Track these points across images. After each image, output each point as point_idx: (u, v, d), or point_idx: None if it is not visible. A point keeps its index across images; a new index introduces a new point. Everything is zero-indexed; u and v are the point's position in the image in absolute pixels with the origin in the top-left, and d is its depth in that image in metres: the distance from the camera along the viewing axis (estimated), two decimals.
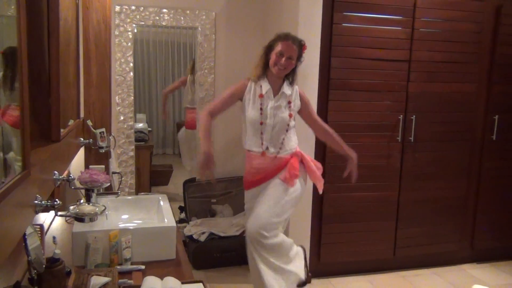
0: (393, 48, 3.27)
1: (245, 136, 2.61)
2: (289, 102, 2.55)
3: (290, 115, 2.53)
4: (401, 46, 3.28)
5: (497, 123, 3.57)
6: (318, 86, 3.17)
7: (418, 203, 3.51)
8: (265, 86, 2.54)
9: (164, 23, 3.71)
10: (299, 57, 2.54)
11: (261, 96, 2.52)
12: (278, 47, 2.47)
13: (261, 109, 2.52)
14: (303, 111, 2.66)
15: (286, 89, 2.56)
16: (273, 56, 2.48)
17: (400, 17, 3.26)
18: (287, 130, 2.53)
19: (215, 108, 2.60)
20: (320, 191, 2.73)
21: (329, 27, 3.14)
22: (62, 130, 1.76)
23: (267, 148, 2.52)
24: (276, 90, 2.55)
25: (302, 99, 2.63)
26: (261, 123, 2.51)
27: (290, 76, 2.59)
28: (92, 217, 1.49)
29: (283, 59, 2.45)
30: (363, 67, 3.24)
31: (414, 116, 3.37)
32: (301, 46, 2.54)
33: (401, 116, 3.36)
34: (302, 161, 2.63)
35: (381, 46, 3.24)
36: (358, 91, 3.26)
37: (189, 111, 4.41)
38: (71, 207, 1.55)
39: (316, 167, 2.68)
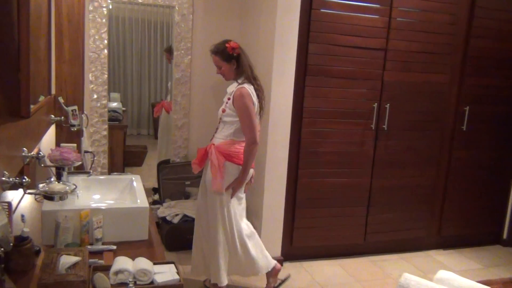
0: (371, 36, 3.29)
1: None
2: (229, 99, 2.64)
3: (223, 110, 2.66)
4: (378, 34, 3.31)
5: (467, 114, 3.66)
6: (295, 72, 3.17)
7: (389, 190, 3.59)
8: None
9: (140, 0, 3.62)
10: (228, 59, 2.63)
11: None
12: None
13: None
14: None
15: (230, 87, 2.70)
16: None
17: (378, 6, 3.27)
18: (219, 122, 2.70)
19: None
20: (213, 188, 2.61)
21: (307, 12, 3.13)
22: (32, 106, 1.71)
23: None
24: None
25: (234, 100, 2.59)
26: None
27: (239, 76, 2.67)
28: (62, 196, 1.46)
29: (217, 70, 2.71)
30: (340, 54, 3.25)
31: (388, 104, 3.42)
32: (221, 49, 2.62)
33: (376, 104, 3.40)
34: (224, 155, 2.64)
35: (359, 34, 3.26)
36: (334, 78, 3.27)
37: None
38: (41, 185, 1.51)
39: (218, 165, 2.60)
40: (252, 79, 2.65)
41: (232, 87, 2.65)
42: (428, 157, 3.66)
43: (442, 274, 1.98)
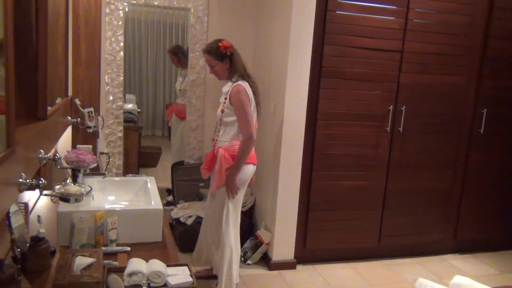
0: (386, 38, 3.26)
1: None
2: (225, 99, 2.66)
3: (222, 111, 2.67)
4: (394, 36, 3.28)
5: (485, 117, 3.60)
6: (310, 74, 3.16)
7: (405, 193, 3.55)
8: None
9: (156, 3, 3.65)
10: (221, 58, 2.65)
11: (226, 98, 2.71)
12: None
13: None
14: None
15: (225, 87, 2.71)
16: None
17: (394, 7, 3.24)
18: (220, 124, 2.72)
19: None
20: (213, 190, 2.70)
21: (323, 14, 3.11)
22: (49, 108, 1.73)
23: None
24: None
25: (230, 98, 2.62)
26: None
27: (232, 75, 2.70)
28: (78, 198, 1.47)
29: (210, 70, 2.76)
30: (356, 56, 3.23)
31: (404, 107, 3.38)
32: (215, 49, 2.65)
33: (391, 106, 3.37)
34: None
35: (374, 36, 3.23)
36: (349, 80, 3.25)
37: (179, 105, 4.41)
38: (57, 187, 1.53)
39: (221, 166, 2.64)
40: (246, 77, 2.68)
41: (227, 86, 2.69)
42: (445, 160, 3.61)
43: (458, 279, 1.95)
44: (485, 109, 3.60)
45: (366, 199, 3.47)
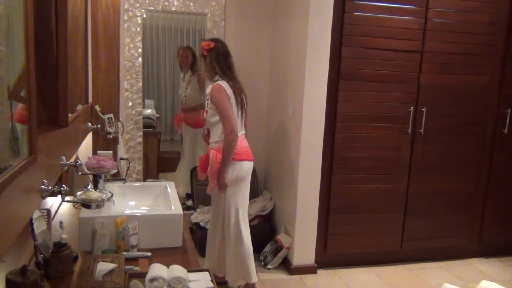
0: (405, 38, 3.21)
1: None
2: (208, 100, 2.75)
3: (206, 112, 2.77)
4: (413, 36, 3.23)
5: (509, 117, 3.51)
6: (328, 76, 3.13)
7: (427, 196, 3.48)
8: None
9: (173, 9, 3.67)
10: (203, 56, 2.78)
11: None
12: None
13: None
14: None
15: (207, 88, 2.81)
16: None
17: (413, 7, 3.20)
18: (207, 127, 2.82)
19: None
20: (209, 190, 2.78)
21: (340, 15, 3.09)
22: (70, 114, 1.74)
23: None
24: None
25: (211, 98, 2.70)
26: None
27: (212, 75, 2.79)
28: (99, 204, 1.48)
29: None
30: (374, 57, 3.19)
31: (424, 108, 3.33)
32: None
33: (412, 107, 3.31)
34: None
35: (393, 36, 3.19)
36: (368, 81, 3.21)
37: (188, 115, 4.41)
38: (78, 193, 1.54)
39: (212, 167, 2.71)
40: (226, 77, 2.73)
41: (209, 88, 2.77)
42: (468, 162, 3.53)
43: (485, 284, 1.90)
44: (509, 109, 3.51)
45: (388, 202, 3.42)
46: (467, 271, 3.52)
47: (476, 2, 3.29)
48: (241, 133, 2.76)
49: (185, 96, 4.35)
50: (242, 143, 2.75)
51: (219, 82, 2.71)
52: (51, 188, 1.29)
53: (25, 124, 1.10)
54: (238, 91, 2.74)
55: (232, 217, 2.76)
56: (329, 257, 3.39)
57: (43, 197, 1.28)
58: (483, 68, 3.41)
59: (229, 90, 2.68)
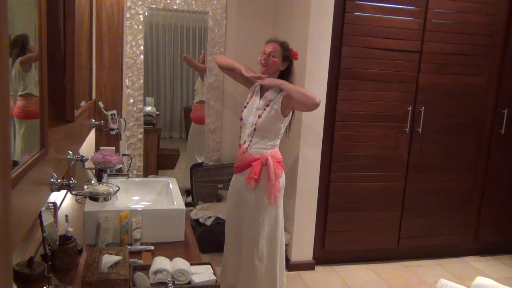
0: (405, 38, 3.25)
1: None
2: (267, 105, 2.52)
3: (259, 116, 2.50)
4: (413, 36, 3.27)
5: (506, 117, 3.56)
6: (328, 75, 3.17)
7: (424, 195, 3.53)
8: (257, 87, 2.63)
9: (175, 7, 3.70)
10: (285, 57, 2.54)
11: (252, 96, 2.64)
12: (263, 48, 2.57)
13: (245, 106, 2.63)
14: (289, 105, 2.51)
15: (270, 93, 2.54)
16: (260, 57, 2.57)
17: (413, 7, 3.24)
18: (255, 129, 2.52)
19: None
20: (271, 201, 2.50)
21: (341, 15, 3.13)
22: (75, 111, 1.78)
23: (244, 142, 2.59)
24: (264, 93, 2.58)
25: (282, 104, 2.49)
26: (241, 119, 2.64)
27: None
28: (106, 197, 1.52)
29: (264, 56, 2.52)
30: (374, 56, 3.23)
31: (423, 107, 3.37)
32: (286, 47, 2.56)
33: (410, 107, 3.35)
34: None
35: (393, 37, 3.23)
36: (367, 80, 3.25)
37: (196, 106, 4.45)
38: (85, 187, 1.58)
39: (275, 176, 2.49)
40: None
41: (272, 94, 2.54)
42: (465, 161, 3.58)
43: (480, 280, 1.94)
44: (506, 110, 3.55)
45: (385, 200, 3.46)
46: (463, 269, 3.56)
47: (475, 3, 3.33)
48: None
49: (194, 90, 4.36)
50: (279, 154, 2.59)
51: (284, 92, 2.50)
52: (60, 181, 1.33)
53: (26, 119, 1.14)
54: None
55: (279, 226, 2.58)
56: (327, 253, 3.43)
57: (52, 190, 1.32)
58: (481, 68, 3.46)
59: None
